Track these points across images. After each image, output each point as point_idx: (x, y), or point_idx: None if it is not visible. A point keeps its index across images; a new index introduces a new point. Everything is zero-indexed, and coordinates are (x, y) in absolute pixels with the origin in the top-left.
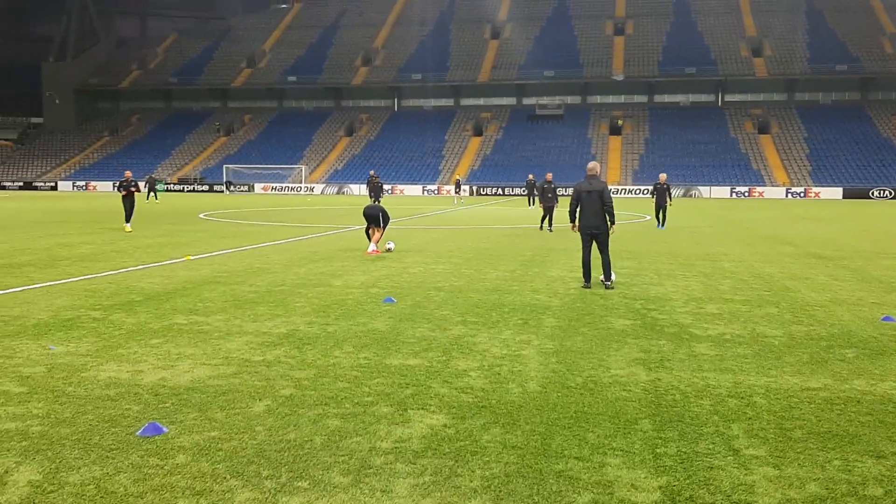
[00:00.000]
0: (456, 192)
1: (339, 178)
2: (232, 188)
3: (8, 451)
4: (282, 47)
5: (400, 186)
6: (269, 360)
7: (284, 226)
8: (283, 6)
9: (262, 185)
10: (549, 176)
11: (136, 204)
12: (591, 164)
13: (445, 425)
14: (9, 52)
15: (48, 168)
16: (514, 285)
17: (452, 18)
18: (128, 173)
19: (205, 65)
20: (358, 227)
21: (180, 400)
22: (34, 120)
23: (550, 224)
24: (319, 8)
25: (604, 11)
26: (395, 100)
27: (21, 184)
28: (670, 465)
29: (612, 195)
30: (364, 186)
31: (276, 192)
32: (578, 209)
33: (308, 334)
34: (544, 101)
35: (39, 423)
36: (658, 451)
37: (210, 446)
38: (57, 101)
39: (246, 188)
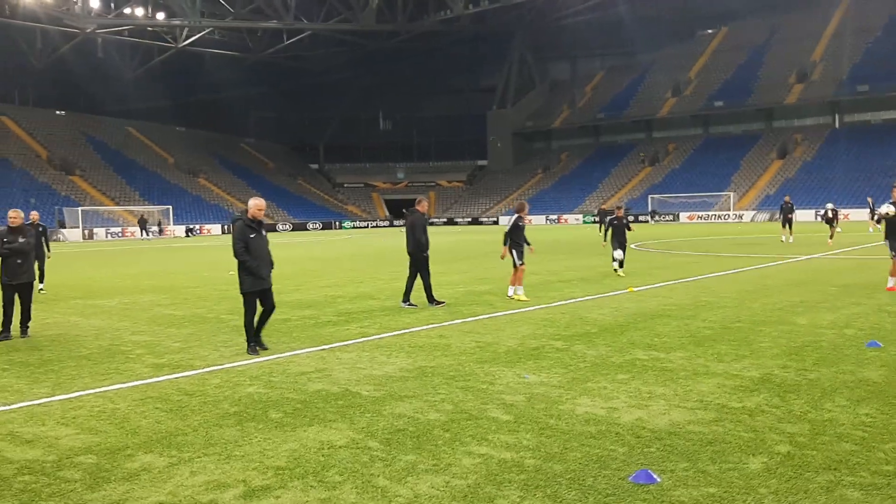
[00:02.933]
0: None
1: (771, 203)
2: (657, 218)
3: (509, 482)
4: (707, 72)
5: (845, 211)
6: (749, 408)
7: (721, 256)
8: (710, 31)
9: (688, 213)
10: None
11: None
12: None
13: None
14: (462, 104)
15: (491, 204)
16: None
17: None
18: None
19: (630, 98)
20: (808, 256)
21: (664, 446)
22: (480, 162)
23: None
24: (748, 28)
25: None
26: (836, 116)
27: (469, 219)
28: None
29: None
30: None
31: (702, 220)
32: None
33: (786, 380)
34: None
35: (532, 455)
36: None
37: None
38: (499, 145)
39: (671, 217)
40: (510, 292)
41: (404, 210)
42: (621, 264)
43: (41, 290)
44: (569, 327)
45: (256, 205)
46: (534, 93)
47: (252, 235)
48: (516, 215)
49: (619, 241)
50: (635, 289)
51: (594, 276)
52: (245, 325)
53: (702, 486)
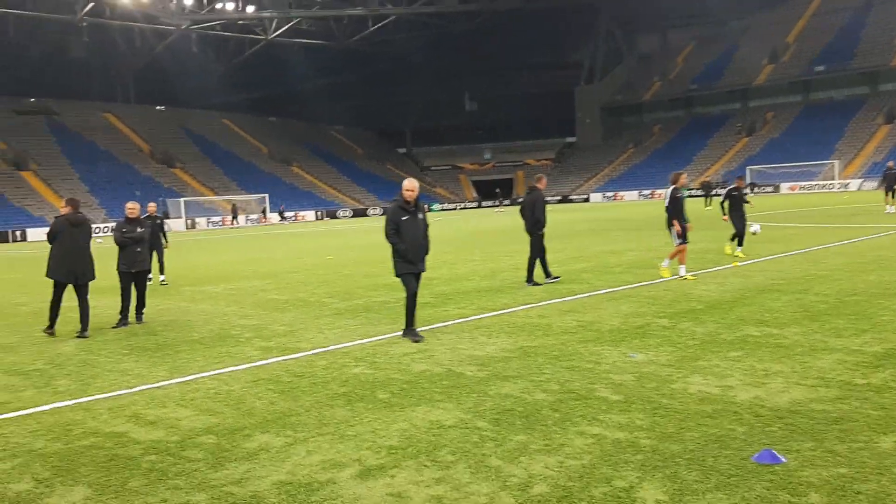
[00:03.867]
0: None
1: (878, 171)
2: (756, 189)
3: (626, 463)
4: (807, 37)
5: None
6: (875, 385)
7: (827, 227)
8: None
9: (789, 184)
10: None
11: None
12: None
13: None
14: (547, 80)
15: (581, 182)
16: None
17: None
18: None
19: (724, 67)
20: None
21: (786, 425)
22: (568, 139)
23: None
24: None
25: None
26: None
27: (559, 197)
28: None
29: None
30: None
31: (805, 191)
32: None
33: None
34: None
35: (646, 435)
36: None
37: (844, 486)
38: (587, 121)
39: (771, 189)
40: (681, 272)
41: (497, 190)
42: (741, 242)
43: (163, 281)
44: (673, 304)
45: (407, 186)
46: (621, 66)
47: (404, 218)
48: (672, 187)
49: (739, 214)
50: (740, 263)
51: (694, 251)
52: (406, 308)
53: (831, 466)
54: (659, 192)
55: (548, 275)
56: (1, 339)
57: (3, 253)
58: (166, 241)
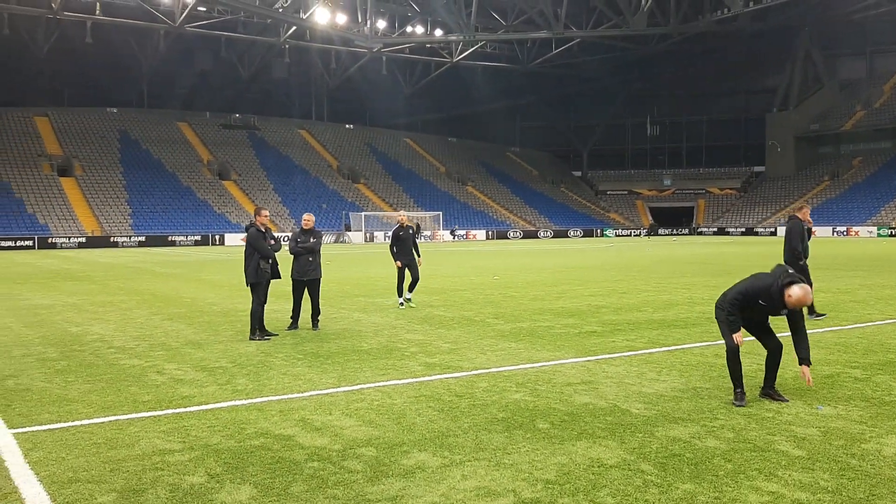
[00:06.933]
0: None
1: None
2: None
3: None
4: None
5: None
6: None
7: None
8: None
9: None
10: None
11: None
12: None
13: None
14: (737, 105)
15: (768, 214)
16: None
17: None
18: None
19: None
20: None
21: None
22: (756, 168)
23: None
24: None
25: None
26: None
27: (743, 229)
28: None
29: None
30: None
31: None
32: None
33: None
34: None
35: (831, 499)
36: None
37: None
38: (779, 150)
39: None
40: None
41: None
42: None
43: (406, 300)
44: (867, 354)
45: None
46: (820, 93)
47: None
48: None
49: None
50: None
51: (894, 297)
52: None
53: None
54: (855, 229)
55: (810, 311)
56: (192, 336)
57: (202, 256)
58: (419, 256)
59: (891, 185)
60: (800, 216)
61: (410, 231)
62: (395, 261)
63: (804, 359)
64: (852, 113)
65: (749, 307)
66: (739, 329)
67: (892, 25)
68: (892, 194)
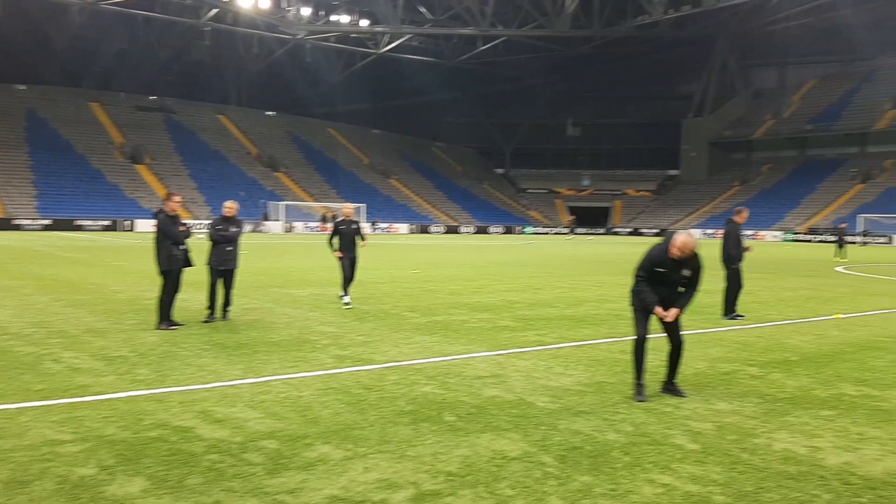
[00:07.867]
0: None
1: None
2: (867, 240)
3: None
4: None
5: None
6: None
7: None
8: None
9: None
10: None
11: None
12: None
13: None
14: (655, 110)
15: (681, 216)
16: None
17: None
18: None
19: (843, 109)
20: None
21: (878, 497)
22: (671, 172)
23: None
24: None
25: None
26: None
27: (656, 230)
28: None
29: None
30: None
31: None
32: None
33: None
34: None
35: (721, 491)
36: None
37: None
38: (692, 155)
39: (885, 240)
40: None
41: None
42: None
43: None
44: (765, 353)
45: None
46: (734, 101)
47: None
48: None
49: None
50: (843, 315)
51: (794, 299)
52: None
53: None
54: (762, 233)
55: (728, 312)
56: (94, 323)
57: (111, 241)
58: (363, 241)
59: (794, 193)
60: (737, 219)
61: (353, 227)
62: (334, 251)
63: (678, 305)
64: (763, 121)
65: (654, 279)
66: (654, 304)
67: (804, 37)
68: (797, 201)
